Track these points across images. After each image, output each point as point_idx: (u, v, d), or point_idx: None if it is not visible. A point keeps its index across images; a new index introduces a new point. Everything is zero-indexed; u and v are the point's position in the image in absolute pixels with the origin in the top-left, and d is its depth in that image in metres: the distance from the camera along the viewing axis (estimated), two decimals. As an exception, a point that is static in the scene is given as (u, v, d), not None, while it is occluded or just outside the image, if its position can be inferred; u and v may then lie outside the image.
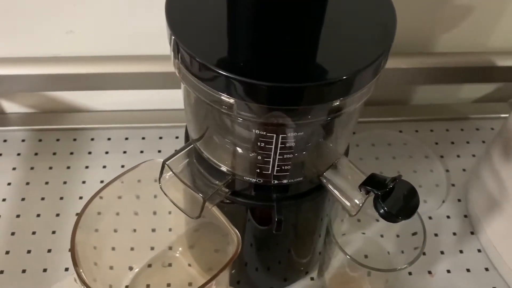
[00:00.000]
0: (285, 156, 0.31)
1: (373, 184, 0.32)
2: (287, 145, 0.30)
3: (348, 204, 0.34)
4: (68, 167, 0.57)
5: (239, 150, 0.32)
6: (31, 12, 0.51)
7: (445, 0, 0.53)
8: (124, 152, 0.58)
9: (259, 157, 0.31)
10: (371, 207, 0.52)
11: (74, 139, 0.59)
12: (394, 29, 0.29)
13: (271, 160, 0.31)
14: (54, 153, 0.58)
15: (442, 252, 0.51)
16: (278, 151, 0.30)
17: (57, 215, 0.52)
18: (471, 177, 0.55)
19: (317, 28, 0.29)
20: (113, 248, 0.49)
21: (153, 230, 0.51)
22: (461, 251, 0.51)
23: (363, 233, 0.51)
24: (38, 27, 0.53)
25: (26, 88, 0.56)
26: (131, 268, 0.50)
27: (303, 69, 0.26)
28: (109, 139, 0.60)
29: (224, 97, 0.27)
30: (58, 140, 0.59)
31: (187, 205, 0.36)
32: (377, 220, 0.51)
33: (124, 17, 0.52)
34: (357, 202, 0.33)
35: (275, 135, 0.29)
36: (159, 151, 0.58)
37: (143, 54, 0.55)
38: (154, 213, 0.50)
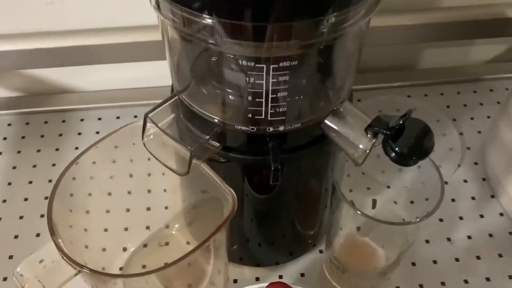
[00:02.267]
0: (278, 94, 0.27)
1: (380, 124, 0.28)
2: (280, 79, 0.26)
3: (354, 152, 0.30)
4: (57, 149, 0.53)
5: (228, 93, 0.29)
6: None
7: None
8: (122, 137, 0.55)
9: (250, 98, 0.27)
10: (381, 173, 0.48)
11: (63, 121, 0.56)
12: None
13: (263, 100, 0.27)
14: (42, 136, 0.55)
15: (461, 218, 0.47)
16: (270, 88, 0.26)
17: (46, 198, 0.49)
18: (487, 138, 0.51)
19: None
20: (106, 230, 0.46)
21: (148, 209, 0.48)
22: (481, 216, 0.47)
23: (374, 199, 0.47)
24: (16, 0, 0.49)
25: (7, 66, 0.53)
26: (125, 249, 0.46)
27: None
28: (99, 119, 0.56)
29: (204, 19, 0.23)
30: (46, 122, 0.56)
31: (175, 164, 0.32)
32: (388, 187, 0.47)
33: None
34: (363, 148, 0.29)
35: (265, 66, 0.25)
36: (153, 129, 0.55)
37: (131, 25, 0.52)
38: (149, 191, 0.47)
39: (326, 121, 0.31)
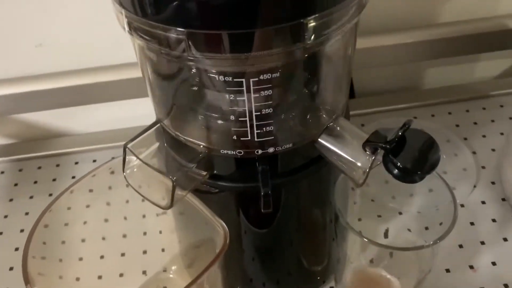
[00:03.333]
0: (263, 111, 0.25)
1: (379, 138, 0.26)
2: (263, 94, 0.24)
3: (353, 171, 0.27)
4: (51, 194, 0.51)
5: (210, 115, 0.26)
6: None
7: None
8: (112, 172, 0.53)
9: (232, 117, 0.25)
10: (392, 199, 0.45)
11: (57, 165, 0.54)
12: None
13: (247, 119, 0.25)
14: (35, 182, 0.53)
15: (482, 243, 0.43)
16: (253, 105, 0.24)
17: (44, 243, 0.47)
18: (502, 155, 0.48)
19: None
20: (100, 277, 0.43)
21: (144, 252, 0.45)
22: (505, 239, 0.43)
23: (387, 228, 0.43)
24: (5, 42, 0.49)
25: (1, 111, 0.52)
26: (120, 297, 0.43)
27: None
28: (94, 161, 0.55)
29: (173, 32, 0.21)
30: (39, 168, 0.54)
31: (162, 198, 0.29)
32: (400, 213, 0.44)
33: (97, 24, 0.48)
34: (363, 166, 0.26)
35: (244, 81, 0.23)
36: (149, 168, 0.53)
37: (121, 63, 0.51)
38: (144, 233, 0.45)
39: (320, 139, 0.28)
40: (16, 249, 0.47)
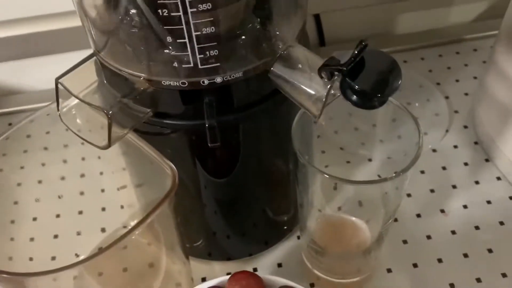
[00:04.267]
0: (203, 31, 0.22)
1: (335, 61, 0.23)
2: (201, 7, 0.21)
3: (309, 101, 0.25)
4: (4, 155, 0.48)
5: (146, 40, 0.24)
6: None
7: None
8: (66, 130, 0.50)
9: (169, 39, 0.22)
10: (361, 146, 0.43)
11: (9, 124, 0.51)
12: None
13: (187, 40, 0.22)
14: (-14, 141, 0.49)
15: (454, 186, 0.41)
16: (192, 22, 0.21)
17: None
18: (476, 98, 0.46)
19: None
20: (56, 236, 0.41)
21: (103, 209, 0.43)
22: (477, 182, 0.42)
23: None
24: None
25: None
26: (77, 255, 0.41)
27: None
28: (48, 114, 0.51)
29: None
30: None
31: (96, 133, 0.27)
32: (370, 160, 0.42)
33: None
34: (319, 95, 0.24)
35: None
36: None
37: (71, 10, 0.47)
38: (102, 190, 0.43)
39: (273, 69, 0.25)
40: (-35, 211, 0.44)
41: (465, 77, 0.51)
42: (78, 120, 0.27)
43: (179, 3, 0.20)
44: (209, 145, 0.24)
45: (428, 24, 0.56)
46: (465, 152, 0.44)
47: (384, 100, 0.23)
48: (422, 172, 0.43)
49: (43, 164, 0.47)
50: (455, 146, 0.44)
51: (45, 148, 0.49)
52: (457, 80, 0.51)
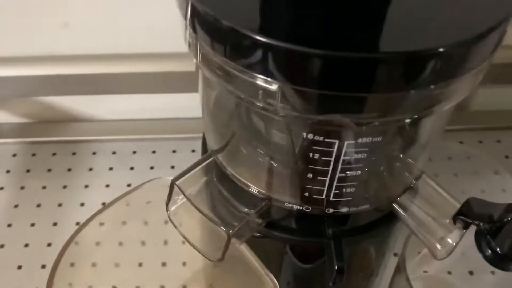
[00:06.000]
0: (348, 173, 0.21)
1: (476, 215, 0.22)
2: (354, 157, 0.20)
3: (435, 242, 0.24)
4: (65, 187, 0.48)
5: (279, 164, 0.22)
6: (20, 6, 0.43)
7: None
8: (131, 168, 0.49)
9: (310, 175, 0.21)
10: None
11: (73, 153, 0.50)
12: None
13: (328, 179, 0.21)
14: (49, 170, 0.49)
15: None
16: (339, 167, 0.20)
17: (49, 244, 0.43)
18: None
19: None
20: (114, 287, 0.40)
21: (163, 264, 0.42)
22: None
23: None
24: (27, 21, 0.44)
25: (17, 93, 0.48)
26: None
27: (385, 32, 0.16)
28: (113, 153, 0.51)
29: (264, 82, 0.17)
30: (54, 154, 0.50)
31: (206, 241, 0.26)
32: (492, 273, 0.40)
33: (128, 7, 0.43)
34: (450, 241, 0.23)
35: (337, 142, 0.19)
36: (172, 167, 0.49)
37: (151, 52, 0.46)
38: (165, 242, 0.42)
39: (400, 200, 0.24)
40: (26, 245, 0.43)
41: (544, 170, 0.49)
42: (183, 219, 0.26)
43: (334, 152, 0.19)
44: (331, 285, 0.23)
45: (507, 103, 0.54)
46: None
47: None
48: None
49: (103, 204, 0.47)
50: (531, 248, 0.43)
51: (107, 186, 0.49)
52: (535, 172, 0.49)
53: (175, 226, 0.25)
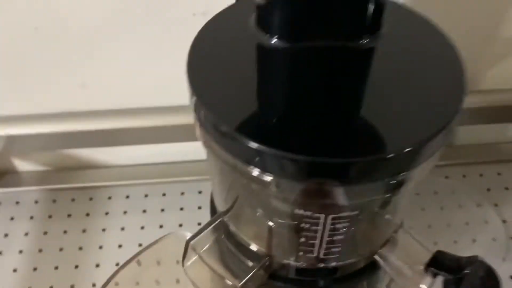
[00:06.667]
0: (334, 238, 0.25)
1: (443, 266, 0.26)
2: (339, 226, 0.24)
3: (409, 285, 0.28)
4: (84, 231, 0.52)
5: (277, 228, 0.27)
6: (42, 68, 0.48)
7: (489, 36, 0.48)
8: (144, 211, 0.54)
9: (303, 239, 0.26)
10: None
11: (91, 198, 0.55)
12: (465, 81, 0.24)
13: (318, 242, 0.25)
14: (69, 215, 0.53)
15: (509, 322, 0.44)
16: (327, 233, 0.25)
17: (72, 286, 0.48)
18: (533, 229, 0.49)
19: (366, 87, 0.24)
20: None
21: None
22: (533, 320, 0.44)
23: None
24: (49, 83, 0.49)
25: (40, 147, 0.53)
26: None
27: (356, 138, 0.21)
28: (127, 197, 0.55)
29: (260, 175, 0.22)
30: (73, 200, 0.55)
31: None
32: None
33: (137, 68, 0.48)
34: (420, 286, 0.27)
35: (323, 215, 0.23)
36: (181, 209, 0.54)
37: (158, 106, 0.51)
38: (177, 281, 0.45)
39: (380, 251, 0.29)
40: (51, 287, 0.48)
41: (523, 200, 0.53)
42: (198, 273, 0.30)
43: (321, 223, 0.24)
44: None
45: (489, 138, 0.59)
46: (521, 285, 0.46)
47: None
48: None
49: (119, 246, 0.51)
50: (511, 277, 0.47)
51: (122, 229, 0.53)
52: (514, 203, 0.53)
53: (193, 282, 0.30)
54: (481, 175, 0.56)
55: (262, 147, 0.20)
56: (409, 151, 0.20)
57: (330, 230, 0.25)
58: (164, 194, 0.55)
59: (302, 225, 0.24)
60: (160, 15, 0.44)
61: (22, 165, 0.57)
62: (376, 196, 0.23)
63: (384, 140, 0.21)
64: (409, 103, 0.23)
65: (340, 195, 0.21)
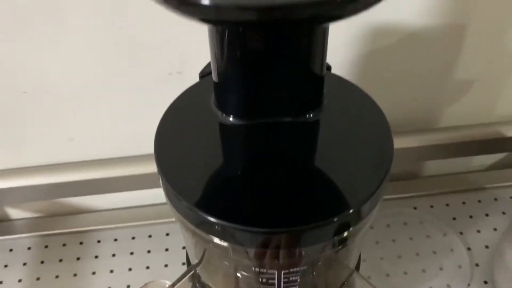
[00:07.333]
0: (290, 286, 0.29)
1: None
2: (291, 278, 0.28)
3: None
4: (75, 275, 0.55)
5: (242, 279, 0.30)
6: (31, 125, 0.52)
7: (446, 77, 0.52)
8: (131, 253, 0.57)
9: (262, 280, 0.29)
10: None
11: (81, 243, 0.58)
12: (391, 156, 0.28)
13: (276, 281, 0.29)
14: (61, 260, 0.56)
15: None
16: (282, 283, 0.28)
17: (64, 331, 0.50)
18: (495, 255, 0.52)
19: (311, 157, 0.27)
20: None
21: None
22: None
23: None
24: (39, 138, 0.53)
25: (31, 198, 0.56)
26: None
27: (299, 210, 0.25)
28: (115, 240, 0.58)
29: (218, 241, 0.25)
30: (64, 245, 0.58)
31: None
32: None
33: (119, 122, 0.52)
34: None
35: (276, 271, 0.27)
36: (166, 249, 0.57)
37: (141, 154, 0.55)
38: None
39: (336, 293, 0.32)
40: (44, 332, 0.50)
41: (486, 228, 0.57)
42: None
43: (276, 277, 0.27)
44: None
45: (451, 168, 0.63)
46: (485, 309, 0.50)
47: None
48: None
49: None
50: (476, 302, 0.50)
51: (111, 271, 0.56)
52: (478, 231, 0.57)
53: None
54: (447, 204, 0.59)
55: (218, 221, 0.24)
56: (345, 214, 0.24)
57: (285, 282, 0.28)
58: (150, 236, 0.58)
59: (260, 279, 0.28)
60: (139, 76, 0.48)
61: (15, 213, 0.60)
62: (322, 253, 0.26)
63: (323, 207, 0.25)
64: (346, 171, 0.27)
65: (287, 257, 0.25)
